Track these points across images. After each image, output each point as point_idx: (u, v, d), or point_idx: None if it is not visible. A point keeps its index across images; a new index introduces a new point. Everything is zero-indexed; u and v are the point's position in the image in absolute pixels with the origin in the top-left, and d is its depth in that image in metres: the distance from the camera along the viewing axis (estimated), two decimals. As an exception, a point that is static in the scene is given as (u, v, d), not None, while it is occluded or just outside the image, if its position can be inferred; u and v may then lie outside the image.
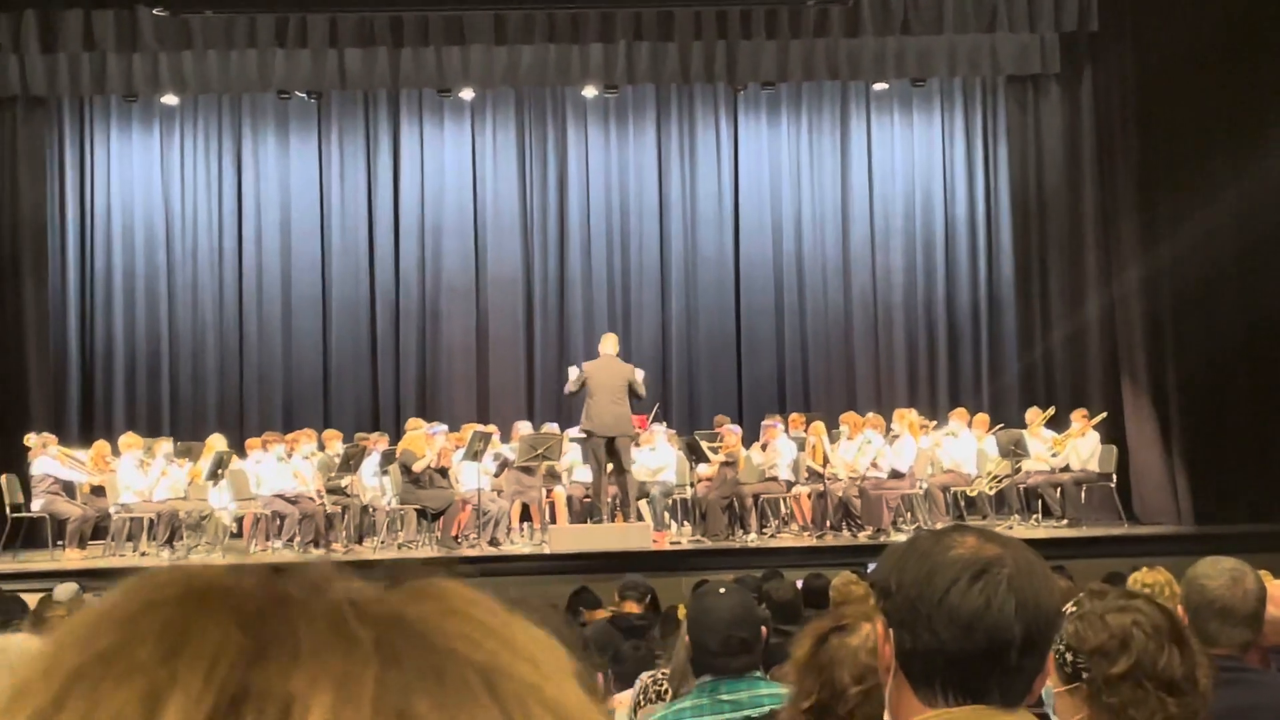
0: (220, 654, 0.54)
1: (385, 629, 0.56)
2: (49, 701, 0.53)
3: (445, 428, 15.21)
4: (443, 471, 14.50)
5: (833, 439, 15.32)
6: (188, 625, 0.55)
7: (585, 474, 14.97)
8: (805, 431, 15.55)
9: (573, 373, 14.54)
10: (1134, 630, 2.84)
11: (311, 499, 14.58)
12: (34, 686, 0.54)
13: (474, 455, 14.44)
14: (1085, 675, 2.84)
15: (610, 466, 14.06)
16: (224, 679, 0.53)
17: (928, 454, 15.31)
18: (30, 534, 14.83)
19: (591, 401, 13.94)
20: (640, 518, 14.68)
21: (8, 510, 14.70)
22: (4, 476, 14.99)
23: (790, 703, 3.17)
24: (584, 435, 14.32)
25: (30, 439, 15.14)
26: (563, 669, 0.59)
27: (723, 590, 4.20)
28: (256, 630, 0.55)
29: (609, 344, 14.45)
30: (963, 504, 15.56)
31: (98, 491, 15.11)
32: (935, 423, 16.19)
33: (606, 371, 14.05)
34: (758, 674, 4.05)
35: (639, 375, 14.26)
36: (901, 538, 11.99)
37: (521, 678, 0.57)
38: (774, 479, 14.90)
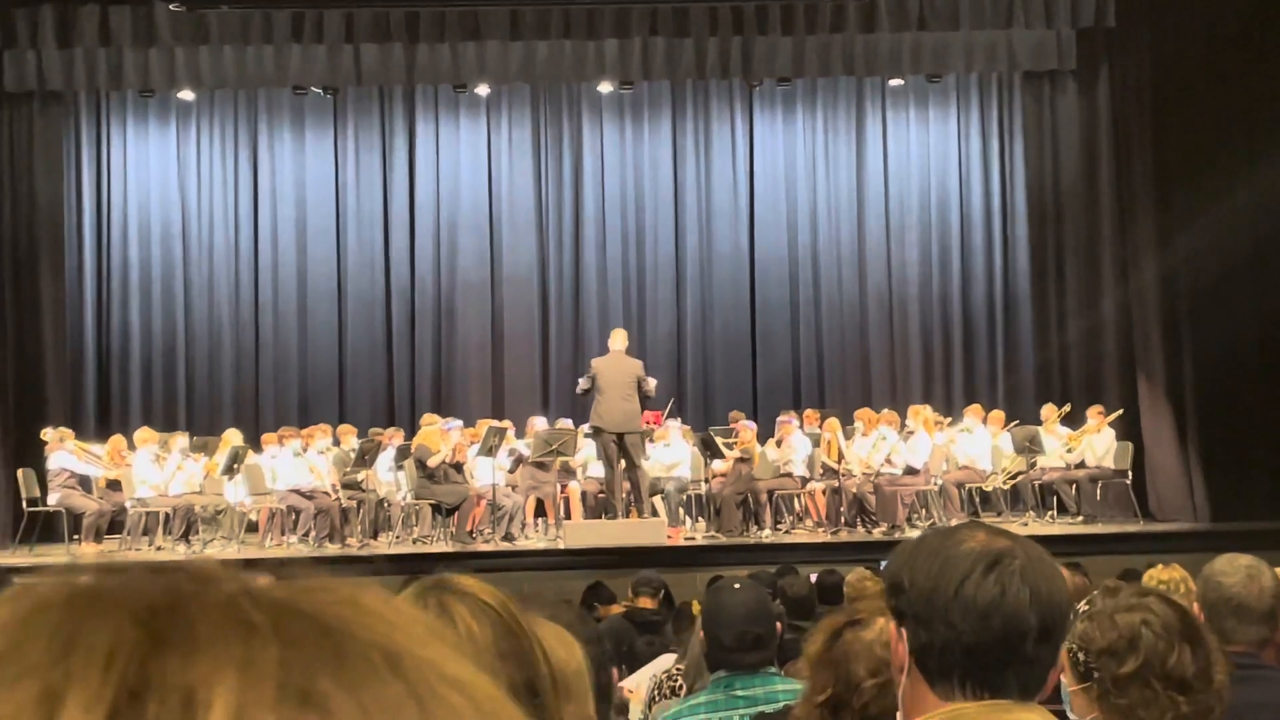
0: (116, 649, 0.52)
1: (281, 614, 0.56)
2: None
3: (460, 423, 15.22)
4: (457, 467, 14.51)
5: (848, 435, 15.30)
6: (79, 625, 0.53)
7: (600, 469, 14.97)
8: (820, 427, 15.52)
9: (581, 383, 14.53)
10: (1142, 630, 2.83)
11: (327, 494, 14.60)
12: None
13: (489, 450, 14.46)
14: (1095, 675, 2.83)
15: (622, 463, 14.06)
16: (122, 673, 0.52)
17: (943, 450, 15.28)
18: (46, 528, 14.88)
19: (601, 398, 13.89)
20: (655, 513, 14.68)
21: (24, 504, 14.75)
22: (21, 471, 15.04)
23: (805, 697, 3.18)
24: (594, 431, 14.29)
25: (47, 433, 15.20)
26: (459, 648, 0.60)
27: (737, 586, 4.21)
28: (150, 624, 0.54)
29: (618, 340, 14.41)
30: (978, 500, 15.54)
31: (114, 486, 15.16)
32: (950, 419, 16.17)
33: (615, 368, 14.01)
34: (772, 669, 4.06)
35: (651, 382, 14.22)
36: (916, 534, 11.98)
37: (421, 656, 0.57)
38: (789, 475, 14.89)
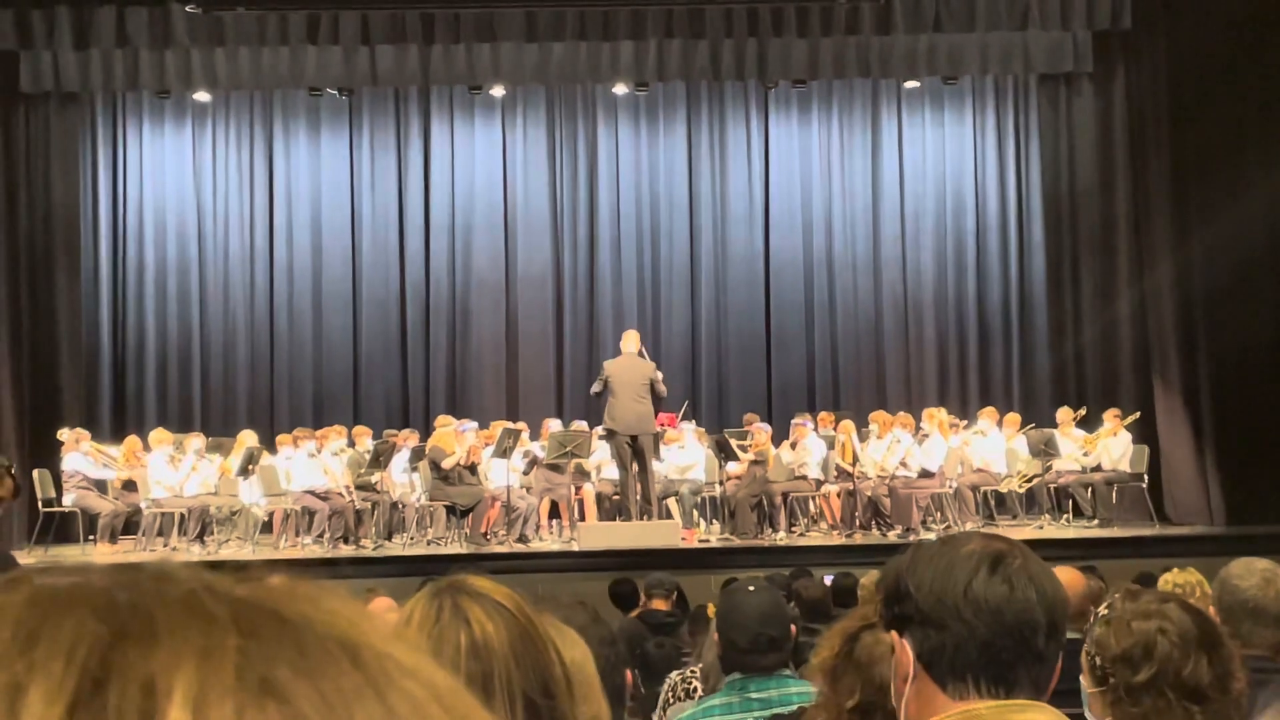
0: (77, 642, 0.53)
1: (241, 607, 0.57)
2: None
3: (475, 425, 15.22)
4: (472, 468, 14.52)
5: (862, 437, 15.28)
6: (41, 620, 0.54)
7: (614, 472, 14.96)
8: (835, 430, 15.51)
9: (596, 388, 14.53)
10: (1158, 638, 2.81)
11: (341, 495, 14.61)
12: None
13: (503, 452, 14.46)
14: (1110, 680, 2.82)
15: (635, 465, 14.05)
16: (83, 664, 0.53)
17: (958, 453, 15.26)
18: (62, 528, 14.93)
19: (614, 400, 13.88)
20: (668, 515, 14.68)
21: (40, 505, 14.78)
22: (36, 471, 15.07)
23: (823, 702, 3.17)
24: (606, 433, 14.29)
25: (63, 434, 15.25)
26: (414, 642, 0.60)
27: (752, 588, 4.20)
28: (111, 618, 0.55)
29: (630, 341, 14.41)
30: (993, 503, 15.51)
31: (129, 486, 15.19)
32: (965, 421, 16.15)
33: (628, 370, 14.01)
34: (787, 672, 4.05)
35: (660, 379, 14.22)
36: (931, 537, 11.97)
37: (380, 649, 0.58)
38: (803, 477, 14.88)
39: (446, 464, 14.28)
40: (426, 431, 15.85)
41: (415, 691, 0.57)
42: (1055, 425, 15.71)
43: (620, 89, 17.91)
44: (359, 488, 14.88)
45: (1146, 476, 15.20)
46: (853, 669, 3.08)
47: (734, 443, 15.10)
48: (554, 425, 15.84)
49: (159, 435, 15.19)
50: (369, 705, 0.55)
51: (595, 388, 14.38)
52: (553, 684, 1.76)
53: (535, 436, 15.71)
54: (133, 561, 0.61)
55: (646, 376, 13.95)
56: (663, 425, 15.06)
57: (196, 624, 0.55)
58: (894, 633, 2.04)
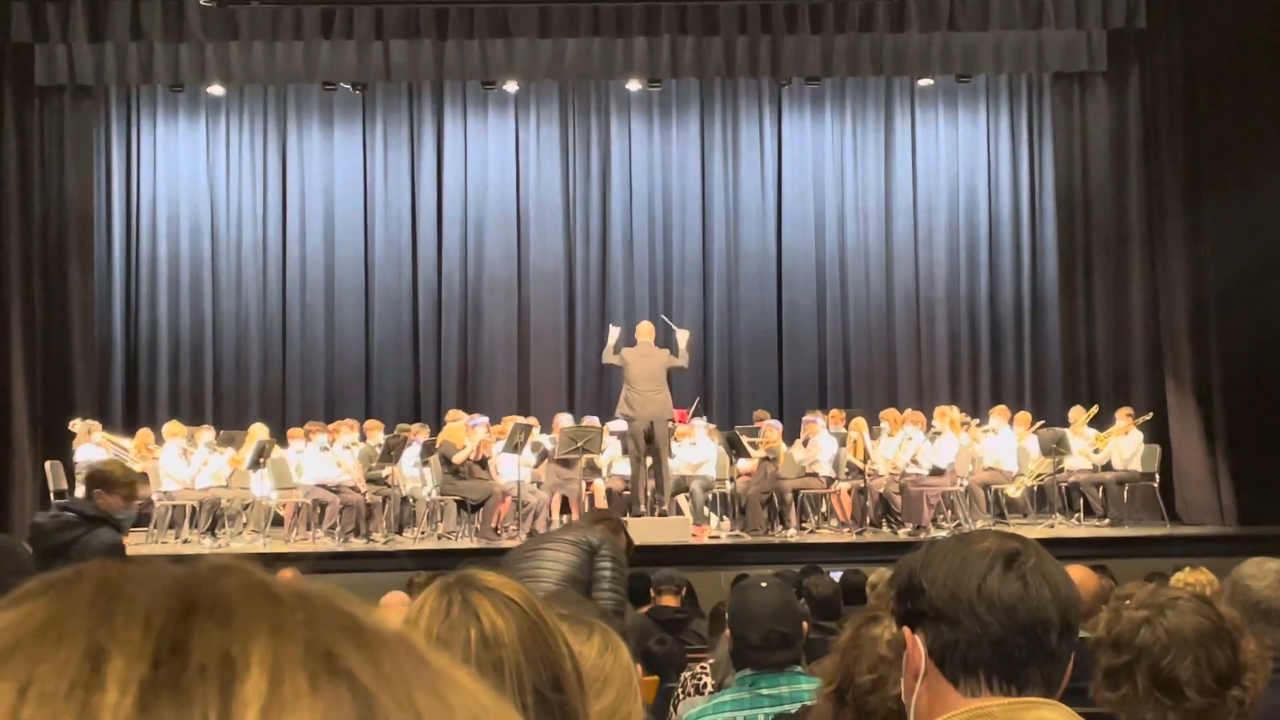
0: (153, 612, 0.56)
1: (301, 590, 0.60)
2: None
3: (485, 419, 15.24)
4: (483, 463, 14.54)
5: (874, 435, 15.27)
6: (115, 595, 0.57)
7: (625, 467, 14.97)
8: (846, 427, 15.50)
9: (613, 332, 14.45)
10: (1144, 627, 2.83)
11: (353, 489, 14.64)
12: None
13: (514, 447, 14.48)
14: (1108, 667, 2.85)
15: (649, 460, 14.05)
16: (161, 630, 0.55)
17: (969, 451, 15.25)
18: (74, 520, 14.92)
19: (630, 389, 13.91)
20: (679, 511, 14.68)
21: (52, 496, 14.81)
22: (49, 463, 15.11)
23: (818, 689, 3.21)
24: (624, 423, 14.28)
25: (75, 425, 15.28)
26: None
27: (764, 584, 4.21)
28: (183, 594, 0.57)
29: (645, 331, 14.42)
30: (1003, 502, 15.48)
31: (140, 478, 15.20)
32: (977, 420, 16.13)
33: (645, 359, 14.02)
34: (798, 668, 4.06)
35: (683, 338, 14.20)
36: (942, 535, 11.96)
37: (426, 646, 0.61)
38: (814, 474, 14.88)
39: (457, 459, 14.30)
40: (438, 426, 15.87)
41: (466, 683, 0.60)
42: (1067, 424, 15.69)
43: (633, 85, 17.90)
44: (370, 481, 14.90)
45: (1158, 476, 15.18)
46: (839, 658, 3.10)
47: (745, 439, 15.10)
48: (565, 420, 15.83)
49: (171, 428, 15.21)
50: (424, 687, 0.57)
51: (608, 355, 14.29)
52: (563, 678, 1.76)
53: (546, 431, 15.72)
54: (194, 554, 0.64)
55: (663, 365, 13.97)
56: (673, 422, 15.05)
57: (265, 601, 0.57)
58: (906, 629, 2.04)
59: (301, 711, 0.54)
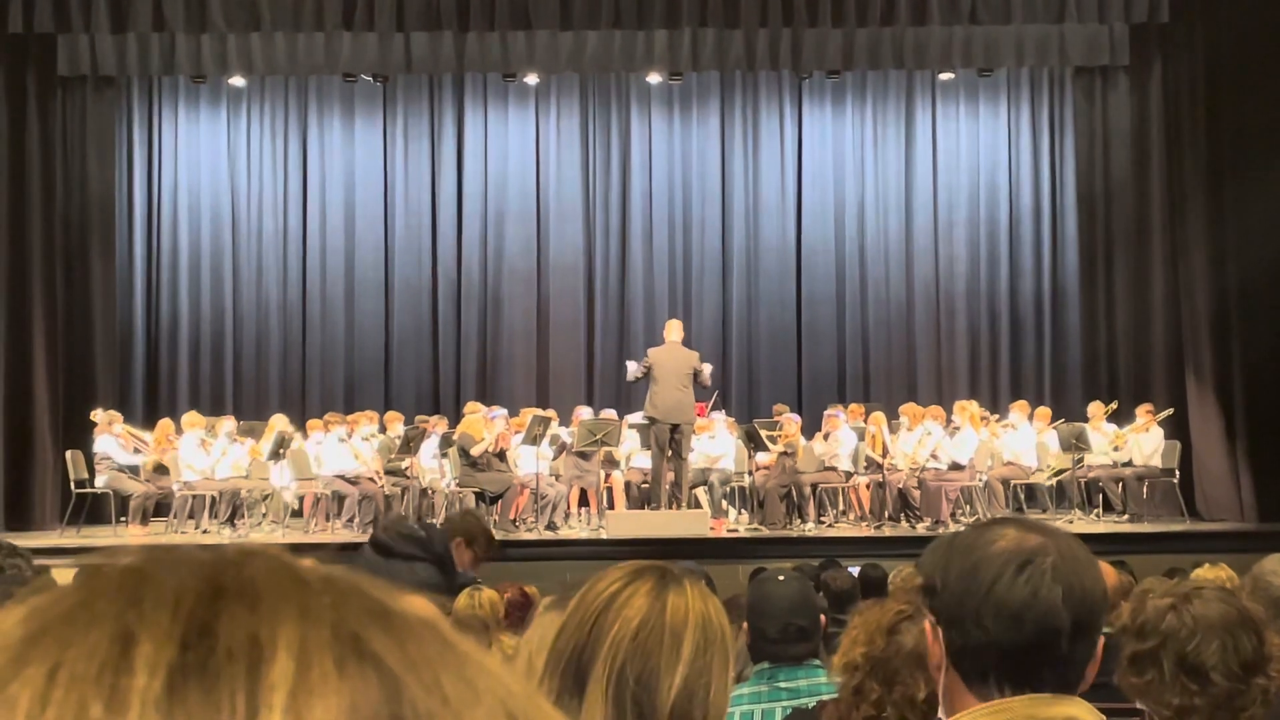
0: (182, 595, 0.56)
1: (328, 576, 0.60)
2: (10, 660, 0.54)
3: (504, 411, 15.26)
4: (501, 455, 14.56)
5: (893, 429, 15.26)
6: (143, 579, 0.57)
7: (643, 460, 14.99)
8: (865, 421, 15.48)
9: (630, 367, 14.52)
10: (1170, 614, 2.84)
11: (371, 480, 14.66)
12: None
13: (533, 439, 14.49)
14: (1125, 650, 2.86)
15: (669, 453, 14.05)
16: (190, 614, 0.55)
17: (988, 446, 15.22)
18: (94, 510, 15.00)
19: (656, 388, 13.91)
20: (696, 505, 14.69)
21: (72, 485, 14.87)
22: (70, 452, 15.17)
23: (845, 697, 3.24)
24: (647, 422, 14.28)
25: (96, 415, 15.33)
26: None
27: (782, 578, 4.20)
28: (210, 578, 0.58)
29: (674, 330, 14.42)
30: (1023, 497, 15.46)
31: (160, 469, 15.27)
32: (996, 415, 16.11)
33: (672, 358, 14.02)
34: (816, 662, 4.05)
35: (706, 369, 14.20)
36: (959, 529, 11.93)
37: (453, 631, 0.61)
38: (833, 469, 14.87)
39: (475, 450, 14.32)
40: (457, 418, 15.88)
41: (493, 668, 0.60)
42: (1086, 419, 15.64)
43: (654, 78, 17.90)
44: (389, 473, 14.93)
45: (1178, 472, 15.13)
46: (882, 667, 3.11)
47: (764, 433, 15.09)
48: (584, 413, 15.85)
49: (191, 418, 15.26)
50: (451, 671, 0.58)
51: (633, 372, 14.33)
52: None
53: (565, 424, 15.73)
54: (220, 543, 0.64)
55: (689, 365, 13.97)
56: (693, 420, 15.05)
57: (291, 585, 0.58)
58: (928, 622, 2.04)
59: (329, 695, 0.54)
